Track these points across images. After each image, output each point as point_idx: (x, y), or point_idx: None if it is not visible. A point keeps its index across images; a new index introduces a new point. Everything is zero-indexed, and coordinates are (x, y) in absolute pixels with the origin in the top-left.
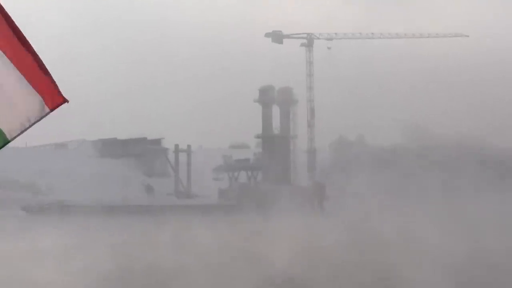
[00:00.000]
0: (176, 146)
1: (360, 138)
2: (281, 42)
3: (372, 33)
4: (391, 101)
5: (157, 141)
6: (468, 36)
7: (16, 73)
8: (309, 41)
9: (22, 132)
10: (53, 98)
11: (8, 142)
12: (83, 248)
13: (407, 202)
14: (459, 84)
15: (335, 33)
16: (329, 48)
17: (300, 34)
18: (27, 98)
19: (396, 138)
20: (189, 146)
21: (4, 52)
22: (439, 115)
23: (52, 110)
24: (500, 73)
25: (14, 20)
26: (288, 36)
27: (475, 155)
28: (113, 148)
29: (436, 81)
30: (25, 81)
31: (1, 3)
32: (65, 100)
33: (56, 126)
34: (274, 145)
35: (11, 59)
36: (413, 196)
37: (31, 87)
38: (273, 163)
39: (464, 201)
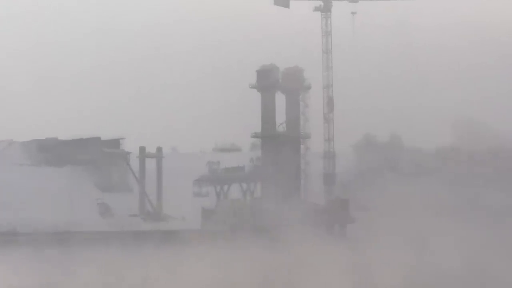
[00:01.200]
0: (142, 148)
1: (394, 139)
2: (287, 6)
3: None
4: (439, 88)
5: (115, 142)
6: None
7: None
8: (326, 4)
9: None
10: None
11: None
12: None
13: (467, 224)
14: None
15: None
16: (353, 13)
17: None
18: None
19: (446, 139)
20: (159, 148)
21: None
22: (508, 108)
23: None
24: None
25: None
26: None
27: None
28: (53, 152)
29: (506, 61)
30: None
31: None
32: None
33: None
34: (278, 147)
35: None
36: (475, 215)
37: None
38: (277, 172)
39: None
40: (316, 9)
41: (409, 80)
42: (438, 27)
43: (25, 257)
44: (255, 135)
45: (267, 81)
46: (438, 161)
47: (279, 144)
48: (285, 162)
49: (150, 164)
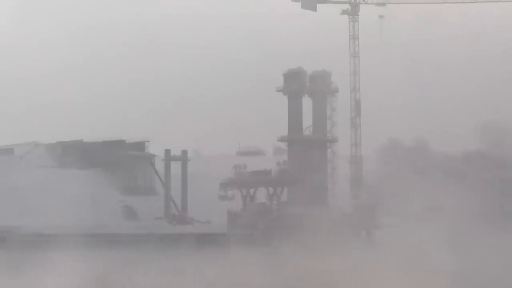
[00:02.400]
0: (167, 151)
1: (420, 143)
2: (314, 9)
3: None
4: (467, 92)
5: (140, 145)
6: None
7: None
8: (353, 7)
9: None
10: None
11: None
12: None
13: (500, 232)
14: None
15: None
16: (381, 17)
17: None
18: None
19: (472, 143)
20: (184, 151)
21: None
22: None
23: None
24: None
25: None
26: (324, 0)
27: None
28: (78, 154)
29: None
30: None
31: None
32: None
33: None
34: (305, 151)
35: None
36: (504, 221)
37: None
38: (303, 176)
39: None
40: (344, 12)
41: (439, 83)
42: (466, 30)
43: (69, 258)
44: (282, 139)
45: (294, 84)
46: (468, 166)
47: (306, 148)
48: (312, 166)
49: (176, 167)
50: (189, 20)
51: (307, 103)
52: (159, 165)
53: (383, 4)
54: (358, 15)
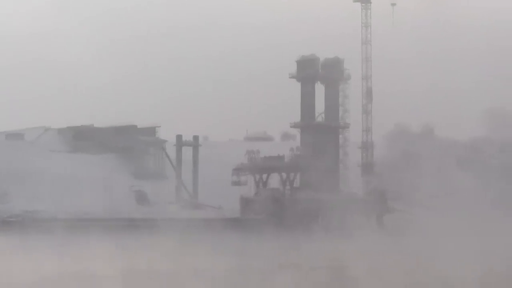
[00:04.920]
0: (178, 137)
1: (426, 129)
2: None
3: None
4: (474, 80)
5: (151, 130)
6: None
7: None
8: None
9: None
10: None
11: None
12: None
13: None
14: None
15: None
16: (393, 4)
17: None
18: None
19: (478, 129)
20: (196, 137)
21: None
22: None
23: None
24: None
25: None
26: None
27: None
28: (89, 139)
29: None
30: None
31: None
32: None
33: (9, 108)
34: (317, 137)
35: None
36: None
37: None
38: (316, 162)
39: None
40: (356, 0)
41: (448, 70)
42: (477, 19)
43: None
44: (295, 125)
45: (307, 71)
46: (474, 152)
47: (318, 134)
48: (324, 152)
49: (187, 152)
50: (202, 6)
51: (320, 90)
52: (170, 150)
53: None
54: (370, 3)
